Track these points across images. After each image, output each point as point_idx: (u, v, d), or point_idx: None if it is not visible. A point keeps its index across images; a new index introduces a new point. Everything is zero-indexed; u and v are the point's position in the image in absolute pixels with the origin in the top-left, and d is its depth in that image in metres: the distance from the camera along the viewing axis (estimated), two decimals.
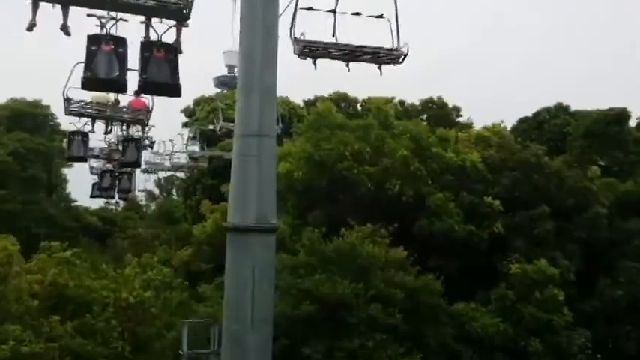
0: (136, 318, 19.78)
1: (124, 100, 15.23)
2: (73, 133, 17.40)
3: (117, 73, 8.48)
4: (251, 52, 7.65)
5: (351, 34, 11.22)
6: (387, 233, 25.66)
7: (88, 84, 9.04)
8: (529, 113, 44.73)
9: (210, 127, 38.48)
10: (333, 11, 11.14)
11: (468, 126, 51.30)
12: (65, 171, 49.22)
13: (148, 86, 8.81)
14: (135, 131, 18.50)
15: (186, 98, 51.86)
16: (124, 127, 17.99)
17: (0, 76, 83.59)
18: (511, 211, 30.62)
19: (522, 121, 43.93)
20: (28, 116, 45.88)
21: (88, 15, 8.95)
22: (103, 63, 8.49)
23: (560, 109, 43.25)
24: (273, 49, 7.74)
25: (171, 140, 34.88)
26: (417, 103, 55.15)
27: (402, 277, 23.42)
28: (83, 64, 8.64)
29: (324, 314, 21.63)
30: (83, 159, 18.50)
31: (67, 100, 14.48)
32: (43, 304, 19.68)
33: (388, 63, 11.15)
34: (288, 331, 20.17)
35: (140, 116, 15.14)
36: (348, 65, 11.11)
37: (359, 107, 54.90)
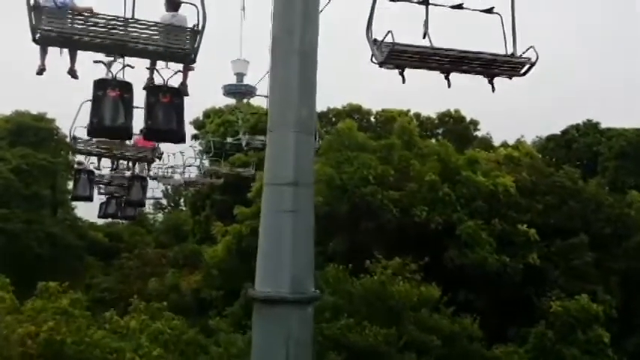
0: None
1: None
2: (79, 171, 17.12)
3: (122, 121, 7.93)
4: (286, 81, 6.65)
5: (436, 35, 7.86)
6: (417, 267, 23.49)
7: (93, 131, 8.66)
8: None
9: (229, 139, 36.60)
10: (425, 2, 7.77)
11: (487, 141, 49.32)
12: (70, 185, 47.44)
13: (152, 133, 8.63)
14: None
15: (196, 110, 50.26)
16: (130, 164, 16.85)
17: (4, 87, 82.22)
18: (545, 239, 28.56)
19: (549, 139, 41.84)
20: (31, 130, 44.19)
21: (95, 62, 8.24)
22: (108, 110, 7.87)
23: (590, 126, 41.13)
24: (312, 78, 6.71)
25: (181, 152, 33.11)
26: (434, 116, 53.38)
27: (436, 320, 21.31)
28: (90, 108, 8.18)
29: None
30: (89, 198, 17.43)
31: (74, 139, 13.93)
32: None
33: (505, 75, 7.99)
34: None
35: (146, 155, 14.26)
36: (448, 78, 7.92)
37: (372, 119, 53.20)
